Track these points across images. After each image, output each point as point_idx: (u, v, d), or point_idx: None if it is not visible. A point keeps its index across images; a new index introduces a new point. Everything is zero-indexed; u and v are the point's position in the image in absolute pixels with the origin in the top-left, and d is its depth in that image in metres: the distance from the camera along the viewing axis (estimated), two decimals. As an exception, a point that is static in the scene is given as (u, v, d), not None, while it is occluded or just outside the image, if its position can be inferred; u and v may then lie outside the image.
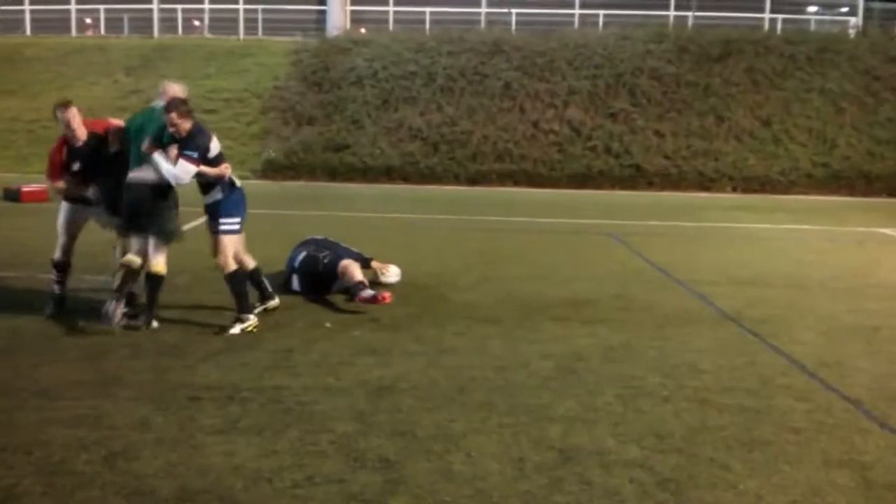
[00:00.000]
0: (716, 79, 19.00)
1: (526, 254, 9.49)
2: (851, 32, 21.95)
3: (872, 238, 11.77)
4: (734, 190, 17.91)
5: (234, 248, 5.91)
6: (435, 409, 4.40)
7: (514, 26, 22.11)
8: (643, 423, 4.28)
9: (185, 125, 5.57)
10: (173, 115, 5.51)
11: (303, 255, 7.06)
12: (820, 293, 7.80)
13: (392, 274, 7.39)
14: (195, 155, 5.56)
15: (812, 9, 26.68)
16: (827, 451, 4.00)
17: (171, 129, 5.56)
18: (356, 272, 6.69)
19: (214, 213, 5.87)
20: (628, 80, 18.91)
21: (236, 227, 5.90)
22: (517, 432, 4.11)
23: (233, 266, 5.87)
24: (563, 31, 20.95)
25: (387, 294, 6.48)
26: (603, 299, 7.18)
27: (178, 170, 5.53)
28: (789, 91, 19.05)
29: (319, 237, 7.53)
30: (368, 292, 6.43)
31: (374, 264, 7.33)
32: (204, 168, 5.66)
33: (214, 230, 5.88)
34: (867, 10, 24.74)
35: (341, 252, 7.07)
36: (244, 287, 5.98)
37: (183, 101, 5.68)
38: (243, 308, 5.87)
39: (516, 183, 17.71)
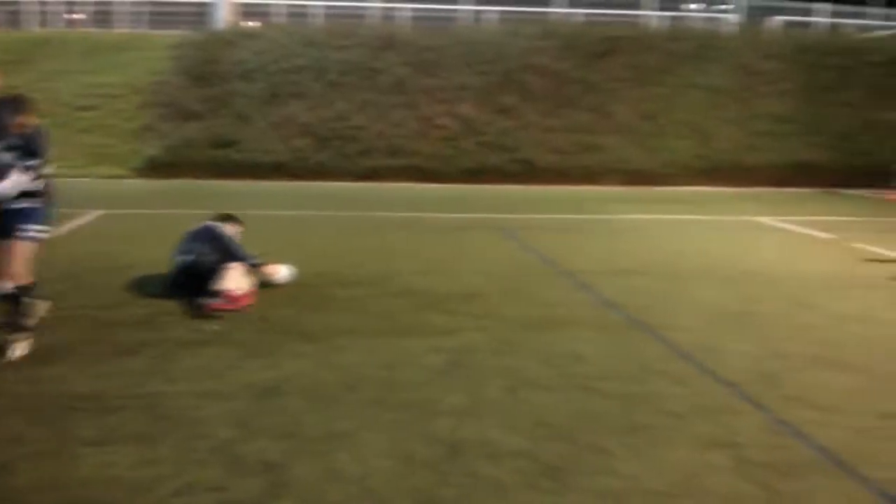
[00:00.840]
0: (600, 75, 19.49)
1: (417, 249, 9.49)
2: (730, 29, 22.92)
3: (749, 226, 12.35)
4: (618, 183, 18.43)
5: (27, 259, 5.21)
6: (322, 409, 4.34)
7: (405, 22, 22.07)
8: (529, 413, 4.35)
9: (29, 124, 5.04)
10: (21, 115, 4.99)
11: (189, 258, 6.70)
12: (698, 280, 8.12)
13: (283, 275, 7.22)
14: (34, 163, 5.03)
15: (693, 6, 27.77)
16: (703, 433, 4.16)
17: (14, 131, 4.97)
18: (231, 279, 6.46)
19: (24, 217, 5.11)
20: (518, 75, 19.17)
21: (43, 236, 5.27)
22: (406, 428, 4.10)
23: (26, 278, 5.18)
24: (454, 27, 21.08)
25: (241, 300, 6.34)
26: (492, 293, 7.25)
27: (9, 184, 4.95)
28: (670, 86, 19.72)
29: (212, 227, 7.05)
30: (218, 301, 6.22)
31: (264, 269, 7.08)
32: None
33: (18, 235, 5.09)
34: (744, 8, 25.91)
35: (229, 255, 6.77)
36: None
37: (26, 98, 5.15)
38: (26, 325, 5.22)
39: (409, 178, 17.69)
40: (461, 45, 19.44)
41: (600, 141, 18.79)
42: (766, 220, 13.07)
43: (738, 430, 4.20)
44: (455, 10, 22.46)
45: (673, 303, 7.09)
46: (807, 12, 25.51)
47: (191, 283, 6.52)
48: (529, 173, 18.18)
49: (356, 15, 21.95)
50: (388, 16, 22.25)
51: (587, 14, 22.77)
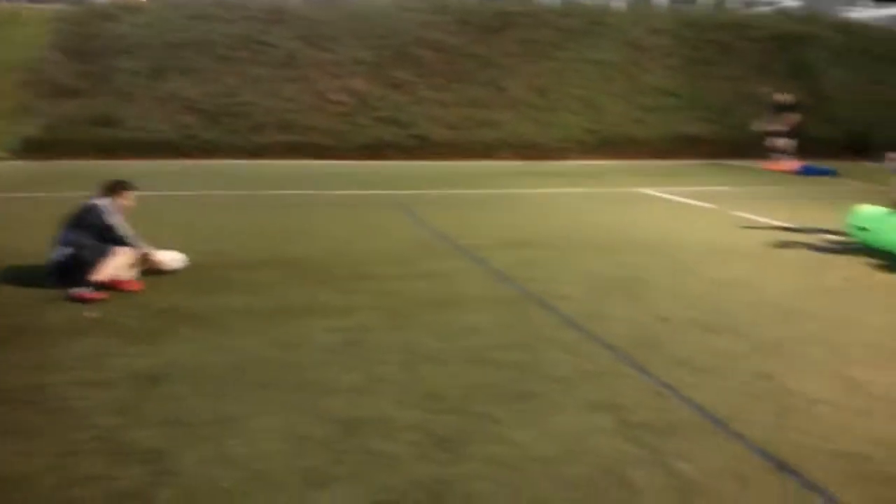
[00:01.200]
0: (495, 50, 19.67)
1: (313, 227, 9.38)
2: (619, 5, 23.48)
3: (637, 198, 12.75)
4: (513, 157, 18.70)
5: None
6: (211, 393, 4.25)
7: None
8: (423, 387, 4.38)
9: None
10: None
11: (68, 251, 6.29)
12: (588, 250, 8.34)
13: (172, 261, 6.95)
14: None
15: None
16: (589, 397, 4.29)
17: None
18: (114, 266, 6.20)
19: None
20: (412, 50, 19.13)
21: None
22: (300, 409, 4.06)
23: None
24: (346, 1, 20.80)
25: (126, 285, 6.13)
26: (389, 269, 7.25)
27: None
28: (562, 61, 20.11)
29: (95, 209, 6.51)
30: (95, 291, 6.00)
31: (152, 256, 6.76)
32: None
33: None
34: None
35: (113, 240, 6.41)
36: None
37: None
38: None
39: (303, 155, 17.42)
40: (353, 19, 19.26)
41: (495, 116, 18.99)
42: (652, 191, 13.52)
43: (622, 393, 4.35)
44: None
45: (563, 273, 7.26)
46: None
47: (71, 274, 6.18)
48: (425, 148, 18.22)
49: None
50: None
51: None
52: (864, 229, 8.82)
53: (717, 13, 23.08)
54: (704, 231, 9.68)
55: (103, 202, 6.61)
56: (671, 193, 13.19)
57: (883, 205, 9.37)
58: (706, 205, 11.94)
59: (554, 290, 6.59)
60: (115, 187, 6.78)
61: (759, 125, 18.41)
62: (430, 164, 17.27)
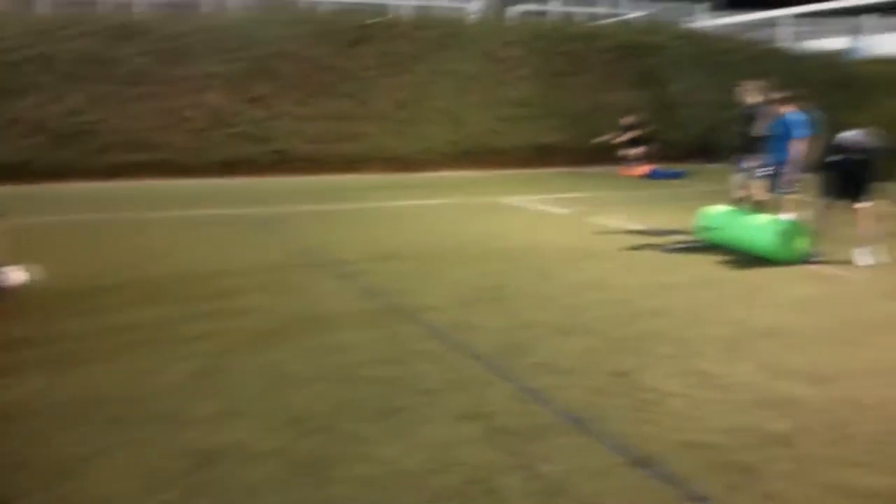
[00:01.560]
0: (354, 63, 19.57)
1: (171, 249, 8.99)
2: (472, 17, 23.92)
3: (498, 207, 13.00)
4: (376, 170, 18.69)
5: None
6: (56, 433, 3.97)
7: (141, 9, 20.74)
8: (287, 411, 4.27)
9: None
10: None
11: None
12: (453, 261, 8.42)
13: (12, 277, 6.51)
14: None
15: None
16: (456, 407, 4.31)
17: None
18: None
19: None
20: (268, 63, 18.74)
21: None
22: (152, 443, 3.86)
23: None
24: (197, 14, 20.16)
25: None
26: (252, 289, 7.05)
27: None
28: (421, 74, 20.24)
29: None
30: None
31: None
32: None
33: None
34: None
35: None
36: None
37: None
38: None
39: (157, 174, 16.70)
40: (206, 32, 18.66)
41: (357, 129, 18.90)
42: (513, 200, 13.83)
43: (488, 401, 4.39)
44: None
45: (430, 285, 7.29)
46: (543, 1, 27.28)
47: None
48: (286, 164, 17.90)
49: (87, 2, 20.32)
50: (122, 2, 20.81)
51: (336, 2, 22.73)
52: (710, 229, 9.35)
53: (566, 25, 23.90)
54: (563, 237, 9.98)
55: None
56: (531, 202, 13.53)
57: (728, 204, 9.98)
58: (564, 211, 12.32)
59: (421, 302, 6.61)
60: None
61: (602, 140, 19.34)
62: (293, 180, 16.99)
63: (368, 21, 20.51)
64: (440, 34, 20.94)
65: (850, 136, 8.16)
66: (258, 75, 18.52)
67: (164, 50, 18.09)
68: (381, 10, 22.81)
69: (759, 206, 9.80)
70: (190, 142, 17.40)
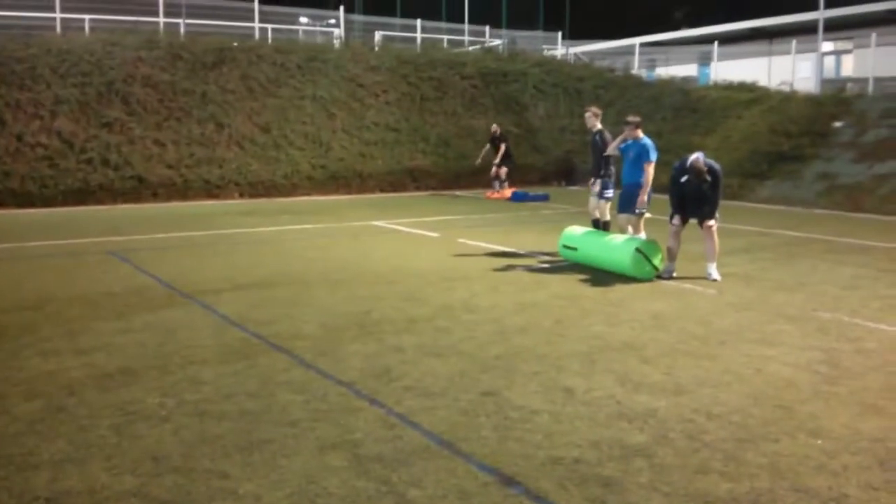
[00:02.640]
0: (212, 86, 19.05)
1: (11, 284, 8.37)
2: (336, 43, 23.84)
3: (367, 231, 12.92)
4: (240, 196, 18.23)
5: None
6: None
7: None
8: (140, 449, 4.02)
9: None
10: None
11: None
12: (320, 287, 8.27)
13: None
14: None
15: (303, 20, 28.41)
16: (322, 437, 4.19)
17: None
18: None
19: None
20: (121, 87, 17.93)
21: None
22: (-8, 492, 3.55)
23: None
24: (44, 36, 19.07)
25: None
26: (101, 323, 6.65)
27: None
28: (284, 98, 19.96)
29: None
30: None
31: None
32: None
33: None
34: (349, 22, 27.14)
35: None
36: None
37: None
38: None
39: (2, 204, 15.65)
40: (53, 55, 17.68)
41: (217, 154, 18.39)
42: (381, 223, 13.80)
43: (355, 429, 4.30)
44: (42, 18, 20.31)
45: (296, 311, 7.12)
46: (407, 28, 27.55)
47: None
48: (142, 190, 17.18)
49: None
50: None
51: (193, 24, 22.11)
52: (571, 248, 9.63)
53: (430, 51, 24.22)
54: (432, 259, 10.02)
55: None
56: (400, 225, 13.55)
57: (587, 225, 10.32)
58: (433, 234, 12.40)
59: (286, 330, 6.43)
60: None
61: (482, 158, 19.63)
62: (149, 207, 16.32)
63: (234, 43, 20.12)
64: (304, 58, 20.76)
65: (694, 158, 8.59)
66: (111, 100, 17.72)
67: (10, 73, 17.01)
68: (244, 33, 22.41)
69: (607, 226, 10.21)
70: (37, 169, 16.37)
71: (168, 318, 6.91)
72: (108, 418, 4.45)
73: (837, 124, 19.65)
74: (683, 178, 8.59)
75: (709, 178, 8.46)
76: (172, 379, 5.16)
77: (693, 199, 8.68)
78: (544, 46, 30.35)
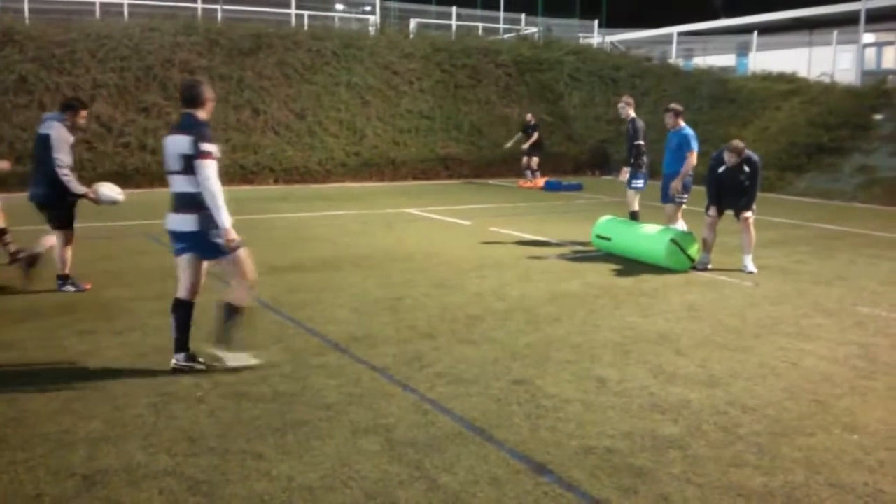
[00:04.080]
0: (249, 72, 19.20)
1: (48, 268, 8.52)
2: (371, 30, 23.87)
3: (400, 218, 12.96)
4: (275, 181, 18.37)
5: None
6: (-79, 460, 3.68)
7: (27, 14, 19.80)
8: (175, 430, 4.09)
9: None
10: None
11: None
12: (353, 272, 8.31)
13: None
14: None
15: (338, 7, 28.49)
16: (355, 420, 4.23)
17: None
18: None
19: None
20: (159, 72, 18.15)
21: None
22: (33, 466, 3.63)
23: None
24: (85, 21, 19.34)
25: None
26: (141, 304, 6.76)
27: None
28: (319, 85, 20.05)
29: None
30: None
31: None
32: None
33: None
34: (384, 9, 27.16)
35: None
36: None
37: None
38: None
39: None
40: (93, 40, 17.94)
41: (253, 140, 18.54)
42: (415, 211, 13.82)
43: (388, 413, 4.33)
44: (81, 3, 20.57)
45: (329, 296, 7.17)
46: (442, 15, 27.51)
47: None
48: (179, 175, 17.34)
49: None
50: (11, 7, 19.77)
51: (230, 10, 22.29)
52: (605, 238, 9.57)
53: (465, 39, 24.16)
54: (464, 247, 10.02)
55: None
56: (432, 212, 13.56)
57: (621, 215, 10.24)
58: (465, 222, 12.39)
59: (321, 314, 6.48)
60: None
61: (512, 145, 19.53)
62: (187, 192, 16.47)
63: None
64: (338, 45, 20.81)
65: (733, 147, 8.47)
66: (149, 84, 17.95)
67: (50, 57, 17.30)
68: (281, 19, 22.51)
69: (635, 216, 10.12)
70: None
71: (203, 300, 6.97)
72: (145, 398, 4.53)
73: (878, 117, 19.26)
74: (721, 168, 8.49)
75: (747, 168, 8.36)
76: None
77: (730, 191, 8.57)
78: (580, 34, 30.11)
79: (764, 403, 4.60)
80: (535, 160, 18.91)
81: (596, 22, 31.24)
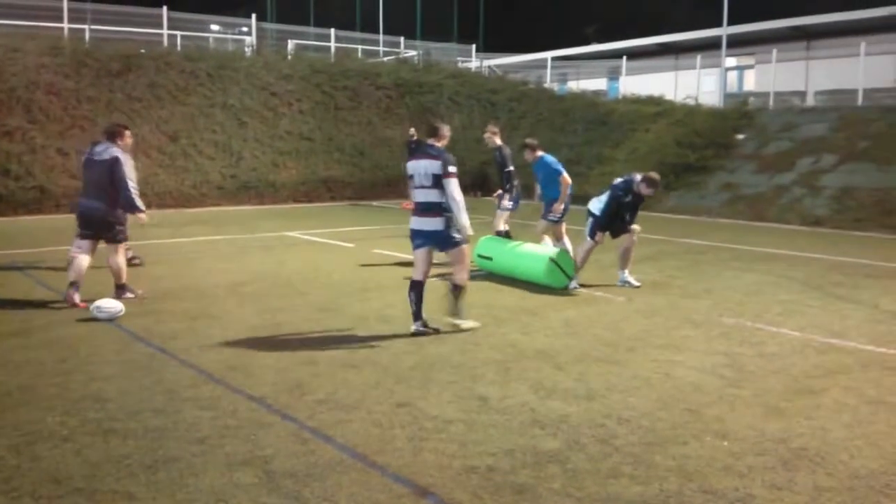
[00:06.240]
0: (118, 94, 18.44)
1: None
2: (247, 51, 23.43)
3: (280, 242, 12.72)
4: (148, 206, 17.63)
5: None
6: None
7: None
8: (40, 471, 3.84)
9: None
10: None
11: None
12: (230, 299, 8.08)
13: None
14: None
15: (214, 28, 27.82)
16: (231, 453, 4.08)
17: None
18: None
19: None
20: (23, 94, 17.20)
21: None
22: None
23: None
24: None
25: None
26: (1, 341, 6.33)
27: None
28: (193, 106, 19.49)
29: None
30: None
31: None
32: None
33: None
34: (261, 31, 26.74)
35: None
36: None
37: None
38: None
39: None
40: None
41: (123, 164, 17.76)
42: (296, 234, 13.62)
43: (266, 444, 4.20)
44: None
45: (204, 325, 6.93)
46: (321, 37, 27.35)
47: None
48: (44, 201, 16.49)
49: None
50: None
51: (98, 30, 21.40)
52: (486, 258, 9.69)
53: (345, 61, 24.07)
54: (346, 270, 9.93)
55: None
56: (314, 236, 13.39)
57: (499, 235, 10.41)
58: (348, 244, 12.30)
59: (194, 343, 6.26)
60: None
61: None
62: (52, 218, 15.67)
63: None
64: (214, 66, 20.33)
65: (643, 176, 8.81)
66: (12, 107, 16.96)
67: None
68: (152, 40, 21.80)
69: (508, 235, 10.33)
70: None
71: (69, 333, 6.62)
72: (6, 438, 4.24)
73: (740, 136, 20.48)
74: (628, 198, 8.80)
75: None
76: (74, 396, 4.94)
77: (626, 214, 8.89)
78: (458, 58, 30.60)
79: (639, 414, 4.75)
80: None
81: (474, 46, 31.84)
